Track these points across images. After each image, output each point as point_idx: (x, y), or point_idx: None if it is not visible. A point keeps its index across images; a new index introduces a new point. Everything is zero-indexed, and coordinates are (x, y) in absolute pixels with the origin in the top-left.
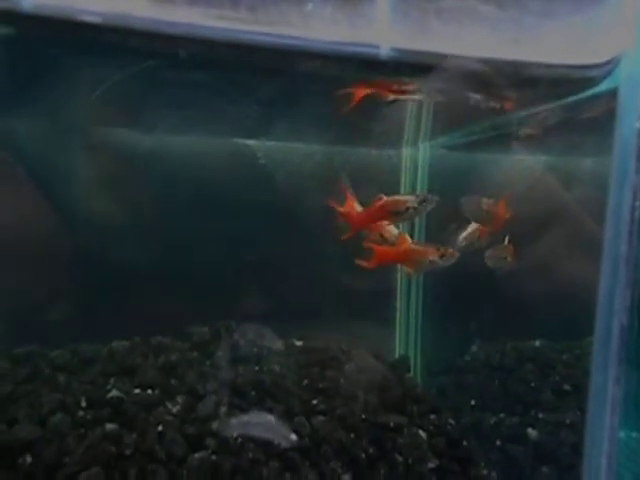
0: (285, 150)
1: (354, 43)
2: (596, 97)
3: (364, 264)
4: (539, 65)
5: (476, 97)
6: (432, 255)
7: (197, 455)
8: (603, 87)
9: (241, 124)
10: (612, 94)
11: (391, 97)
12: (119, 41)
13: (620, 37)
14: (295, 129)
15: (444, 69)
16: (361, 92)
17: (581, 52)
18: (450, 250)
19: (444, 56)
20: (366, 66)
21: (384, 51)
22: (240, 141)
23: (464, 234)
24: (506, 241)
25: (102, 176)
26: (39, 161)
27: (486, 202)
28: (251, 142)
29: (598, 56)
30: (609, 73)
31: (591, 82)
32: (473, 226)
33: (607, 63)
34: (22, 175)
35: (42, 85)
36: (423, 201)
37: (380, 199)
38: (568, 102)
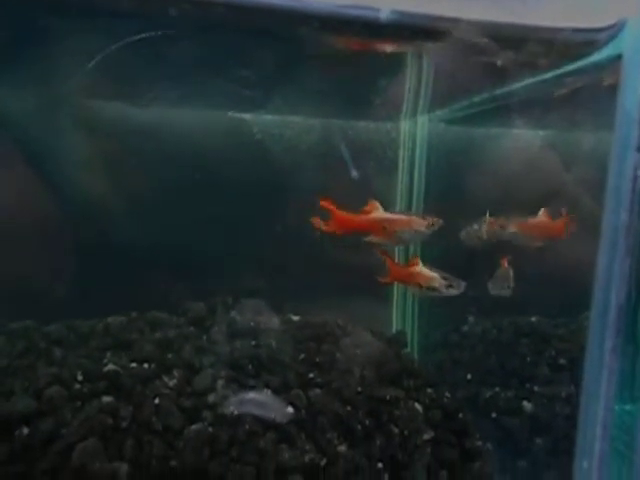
0: (282, 124)
1: (354, 6)
2: (599, 65)
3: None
4: (540, 28)
5: (476, 61)
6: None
7: (194, 427)
8: (606, 53)
9: (237, 97)
10: (616, 61)
11: (387, 49)
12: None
13: (625, 1)
14: (292, 102)
15: (445, 32)
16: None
17: (585, 15)
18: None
19: (445, 19)
20: (366, 29)
21: (384, 14)
22: (236, 115)
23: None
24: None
25: (96, 151)
26: (29, 135)
27: (485, 222)
28: (247, 116)
29: (602, 20)
30: (613, 37)
31: (594, 45)
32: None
33: (611, 27)
34: (11, 150)
35: (33, 55)
36: (431, 225)
37: (373, 205)
38: (571, 69)
